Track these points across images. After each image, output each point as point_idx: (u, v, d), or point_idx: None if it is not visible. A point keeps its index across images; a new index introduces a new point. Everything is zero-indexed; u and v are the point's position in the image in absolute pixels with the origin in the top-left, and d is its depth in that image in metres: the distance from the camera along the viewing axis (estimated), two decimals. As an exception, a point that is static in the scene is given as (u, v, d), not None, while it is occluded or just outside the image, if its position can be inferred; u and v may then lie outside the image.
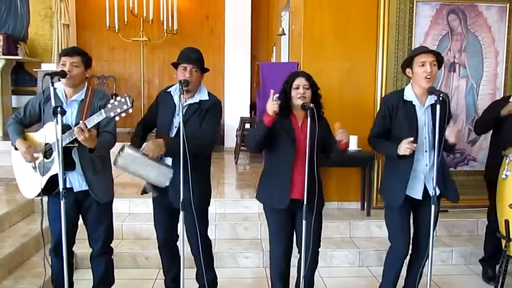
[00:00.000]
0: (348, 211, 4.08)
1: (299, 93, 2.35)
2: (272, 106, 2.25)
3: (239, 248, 3.55)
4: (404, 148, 2.38)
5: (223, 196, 4.29)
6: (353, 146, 3.84)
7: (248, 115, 7.08)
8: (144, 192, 2.63)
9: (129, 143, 2.48)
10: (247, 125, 6.46)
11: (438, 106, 2.26)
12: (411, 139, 2.37)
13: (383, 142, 2.60)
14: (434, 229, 2.37)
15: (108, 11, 7.08)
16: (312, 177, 2.28)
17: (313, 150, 2.25)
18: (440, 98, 2.26)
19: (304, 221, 2.26)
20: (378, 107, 4.01)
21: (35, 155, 2.40)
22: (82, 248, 2.98)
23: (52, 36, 6.82)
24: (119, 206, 3.89)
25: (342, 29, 4.02)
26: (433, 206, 2.33)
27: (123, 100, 2.20)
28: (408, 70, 2.54)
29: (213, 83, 6.84)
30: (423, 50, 2.50)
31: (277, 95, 2.33)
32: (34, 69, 6.72)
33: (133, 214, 3.95)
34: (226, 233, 3.71)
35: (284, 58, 5.61)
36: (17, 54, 6.47)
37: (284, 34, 5.35)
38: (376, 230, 3.79)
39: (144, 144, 2.39)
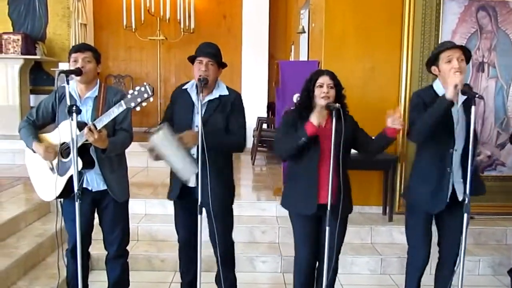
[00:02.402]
0: (369, 215, 3.94)
1: (323, 92, 2.23)
2: (320, 115, 2.14)
3: (256, 252, 3.45)
4: (451, 87, 2.13)
5: (239, 198, 4.19)
6: (375, 148, 3.69)
7: (265, 115, 6.98)
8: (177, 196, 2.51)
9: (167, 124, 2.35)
10: (265, 125, 6.37)
11: (473, 108, 2.11)
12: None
13: (426, 113, 2.28)
14: (465, 240, 2.21)
15: (125, 10, 7.08)
16: (339, 181, 2.16)
17: (338, 152, 2.14)
18: (476, 97, 2.10)
19: (327, 228, 2.14)
20: (402, 107, 3.92)
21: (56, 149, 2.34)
22: (98, 249, 2.91)
23: (70, 36, 6.84)
24: (135, 206, 3.81)
25: (364, 27, 3.88)
26: (465, 215, 2.17)
27: (142, 89, 2.11)
28: (433, 68, 2.38)
29: (230, 83, 6.63)
30: (448, 45, 2.34)
31: (297, 94, 2.22)
32: (51, 69, 6.75)
33: (149, 215, 3.89)
34: (242, 236, 3.61)
35: (303, 57, 5.49)
36: (35, 54, 6.50)
37: (304, 32, 5.23)
38: (398, 236, 3.64)
39: (184, 132, 2.28)
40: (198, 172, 2.20)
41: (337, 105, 2.11)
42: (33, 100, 6.72)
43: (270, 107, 7.25)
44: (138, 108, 2.15)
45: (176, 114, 2.49)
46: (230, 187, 2.58)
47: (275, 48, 7.72)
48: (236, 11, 7.55)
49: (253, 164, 5.98)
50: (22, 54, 6.28)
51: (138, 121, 6.73)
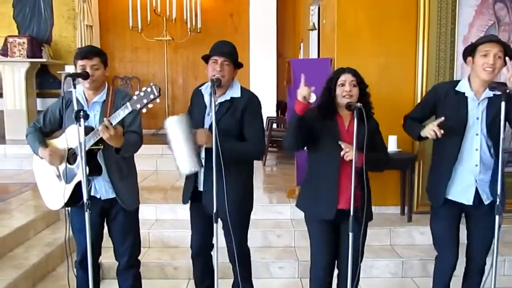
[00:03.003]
0: (386, 216, 3.80)
1: (345, 91, 2.11)
2: (302, 90, 1.98)
3: (272, 257, 3.34)
4: (428, 129, 2.17)
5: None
6: (392, 147, 3.57)
7: (274, 114, 6.87)
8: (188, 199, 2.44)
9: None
10: (274, 125, 6.26)
11: (503, 103, 1.99)
12: (442, 119, 2.15)
13: (413, 122, 2.42)
14: (497, 243, 2.09)
15: (131, 11, 7.00)
16: (361, 185, 2.05)
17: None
18: (506, 92, 1.98)
19: (350, 234, 2.02)
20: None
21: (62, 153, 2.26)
22: (108, 257, 2.82)
23: (76, 38, 6.79)
24: (145, 212, 3.72)
25: (378, 22, 3.75)
26: (497, 217, 2.05)
27: (149, 89, 2.01)
28: (469, 59, 2.26)
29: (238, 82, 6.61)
30: (490, 38, 2.21)
31: (314, 95, 2.08)
32: (58, 72, 6.69)
33: (160, 221, 3.79)
34: (257, 241, 3.50)
35: (314, 55, 5.37)
36: (41, 57, 6.45)
37: (315, 29, 5.10)
38: (419, 237, 3.52)
39: (200, 129, 2.23)
40: (199, 173, 2.16)
41: (359, 104, 1.98)
42: (40, 103, 6.67)
43: (279, 106, 7.14)
44: (144, 110, 2.05)
45: (193, 115, 2.41)
46: (246, 194, 2.46)
47: (283, 46, 7.60)
48: (243, 9, 7.44)
49: (264, 164, 5.86)
50: (28, 57, 6.24)
51: (146, 123, 6.59)
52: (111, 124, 2.05)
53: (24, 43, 6.25)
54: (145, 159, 5.17)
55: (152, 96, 2.00)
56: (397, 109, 3.83)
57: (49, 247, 3.21)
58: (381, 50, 3.76)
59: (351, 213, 1.99)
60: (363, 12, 3.75)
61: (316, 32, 5.24)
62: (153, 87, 2.01)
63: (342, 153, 2.05)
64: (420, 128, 2.29)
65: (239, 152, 2.25)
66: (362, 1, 3.74)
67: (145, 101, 2.01)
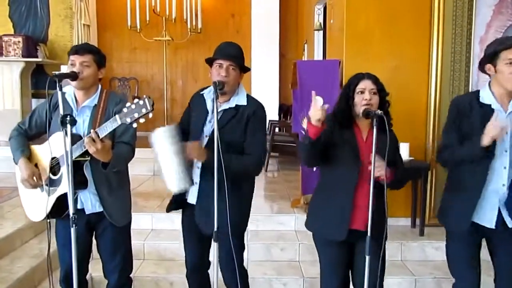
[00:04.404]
0: (397, 228, 3.56)
1: (365, 99, 1.89)
2: (315, 113, 1.77)
3: (275, 273, 3.11)
4: (491, 129, 1.84)
5: (253, 210, 3.84)
6: (404, 155, 3.34)
7: (277, 118, 6.66)
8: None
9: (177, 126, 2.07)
10: (276, 129, 6.05)
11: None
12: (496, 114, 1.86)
13: (457, 147, 2.05)
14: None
15: (129, 10, 6.80)
16: (378, 203, 1.83)
17: None
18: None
19: (367, 257, 1.80)
20: (432, 110, 3.58)
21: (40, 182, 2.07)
22: (99, 270, 2.60)
23: (73, 37, 6.59)
24: (141, 221, 3.53)
25: (389, 22, 3.55)
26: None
27: (141, 102, 1.79)
28: (488, 66, 2.00)
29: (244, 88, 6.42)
30: None
31: (320, 98, 1.85)
32: (53, 72, 6.47)
33: (156, 231, 3.56)
34: (259, 254, 3.28)
35: (319, 56, 5.16)
36: (36, 56, 6.26)
37: (321, 29, 4.89)
38: (432, 252, 3.29)
39: (191, 142, 2.01)
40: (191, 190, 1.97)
41: (379, 111, 1.76)
42: (35, 104, 6.44)
43: (282, 109, 6.93)
44: (135, 125, 1.83)
45: (192, 121, 2.20)
46: (243, 213, 2.23)
47: (286, 47, 7.39)
48: (245, 9, 7.24)
49: (265, 170, 5.64)
50: (23, 56, 6.06)
51: (144, 126, 6.37)
52: (99, 137, 1.84)
53: (19, 42, 6.08)
54: (141, 163, 4.92)
55: (144, 110, 1.79)
56: (409, 114, 3.65)
57: (36, 259, 2.98)
58: (392, 52, 3.56)
59: (369, 234, 1.77)
60: (374, 11, 3.55)
61: (321, 32, 5.03)
62: (146, 100, 1.79)
63: (370, 167, 1.79)
64: (475, 142, 1.92)
65: (234, 166, 1.98)
66: (373, 1, 3.54)
67: (136, 115, 1.80)
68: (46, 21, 6.77)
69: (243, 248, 2.29)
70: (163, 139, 1.97)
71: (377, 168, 1.78)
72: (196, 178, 2.12)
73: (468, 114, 2.04)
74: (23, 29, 6.68)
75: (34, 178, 2.06)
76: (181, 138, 2.00)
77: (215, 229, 1.91)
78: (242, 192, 2.16)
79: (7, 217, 3.49)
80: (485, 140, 1.87)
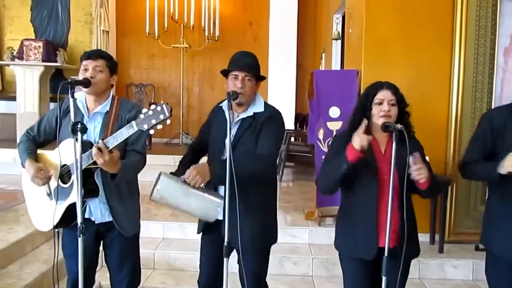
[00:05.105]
0: (414, 244, 3.45)
1: (383, 110, 1.80)
2: (362, 139, 1.71)
3: None
4: (510, 161, 1.73)
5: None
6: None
7: (292, 127, 6.58)
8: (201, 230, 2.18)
9: (164, 172, 2.02)
10: (292, 139, 5.98)
11: None
12: None
13: (480, 164, 1.95)
14: None
15: (148, 17, 6.84)
16: (402, 219, 1.75)
17: (402, 184, 1.71)
18: None
19: (384, 278, 1.71)
20: (453, 122, 3.45)
21: (50, 173, 2.00)
22: (108, 279, 2.56)
23: (92, 43, 6.66)
24: (152, 229, 3.48)
25: (409, 31, 3.46)
26: None
27: (158, 108, 1.76)
28: None
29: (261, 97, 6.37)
30: None
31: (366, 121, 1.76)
32: (71, 77, 6.55)
33: (167, 240, 3.51)
34: (271, 267, 3.10)
35: (336, 66, 5.09)
36: (56, 61, 6.33)
37: (339, 39, 4.83)
38: (451, 271, 3.17)
39: (187, 171, 1.94)
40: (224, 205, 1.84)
41: (399, 125, 1.68)
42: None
43: (298, 118, 6.85)
44: (152, 131, 1.80)
45: (211, 134, 2.15)
46: (268, 225, 2.14)
47: (303, 56, 7.34)
48: (263, 18, 7.21)
49: (280, 180, 5.56)
50: (43, 61, 6.13)
51: (160, 132, 6.41)
52: (107, 148, 1.80)
53: (39, 46, 6.17)
54: (156, 170, 4.92)
55: (162, 117, 1.76)
56: (429, 126, 3.52)
57: (46, 265, 2.96)
58: (413, 62, 3.47)
59: (386, 253, 1.69)
60: (394, 21, 3.47)
61: (339, 42, 4.97)
62: (164, 106, 1.76)
63: (412, 169, 1.70)
64: (494, 165, 1.83)
65: (242, 166, 1.87)
66: (393, 8, 3.46)
67: (153, 121, 1.76)
68: (66, 27, 6.88)
69: (266, 262, 2.22)
70: (170, 191, 1.93)
71: (418, 171, 1.70)
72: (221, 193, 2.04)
73: (502, 128, 1.92)
74: (44, 34, 6.78)
75: (42, 172, 2.00)
76: (177, 179, 1.95)
77: (225, 243, 1.84)
78: (262, 200, 2.08)
79: (21, 220, 3.49)
80: (502, 170, 1.78)
